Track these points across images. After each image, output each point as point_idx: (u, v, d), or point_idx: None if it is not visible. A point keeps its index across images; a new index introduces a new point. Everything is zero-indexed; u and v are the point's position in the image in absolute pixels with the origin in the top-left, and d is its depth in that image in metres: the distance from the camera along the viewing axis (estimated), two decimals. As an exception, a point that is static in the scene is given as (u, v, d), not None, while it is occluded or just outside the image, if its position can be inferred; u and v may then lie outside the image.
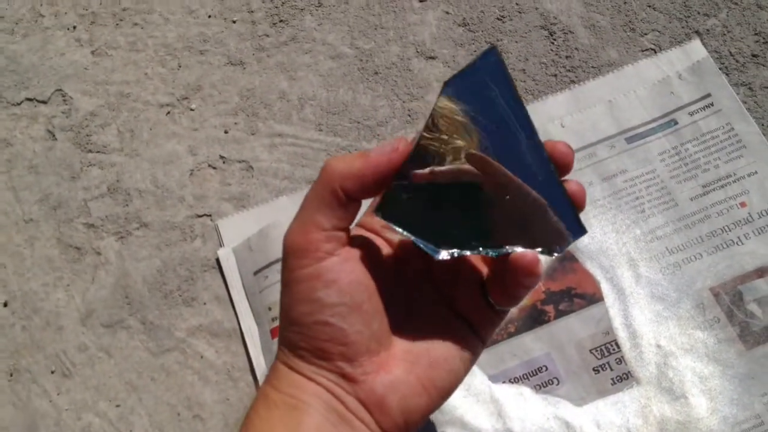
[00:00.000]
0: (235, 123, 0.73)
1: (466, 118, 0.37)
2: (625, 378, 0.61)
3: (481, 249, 0.37)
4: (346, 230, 0.38)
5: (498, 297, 0.39)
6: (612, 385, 0.60)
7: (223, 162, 0.71)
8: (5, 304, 0.68)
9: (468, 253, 0.37)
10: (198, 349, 0.65)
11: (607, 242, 0.65)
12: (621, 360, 0.61)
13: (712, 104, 0.68)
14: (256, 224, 0.68)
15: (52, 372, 0.65)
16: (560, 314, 0.63)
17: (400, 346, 0.39)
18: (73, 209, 0.71)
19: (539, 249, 0.36)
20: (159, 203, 0.70)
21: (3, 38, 0.78)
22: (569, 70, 0.72)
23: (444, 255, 0.37)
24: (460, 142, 0.37)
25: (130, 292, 0.67)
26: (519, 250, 0.36)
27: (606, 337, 0.62)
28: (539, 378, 0.62)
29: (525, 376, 0.62)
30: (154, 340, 0.66)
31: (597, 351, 0.62)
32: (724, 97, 0.68)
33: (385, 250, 0.41)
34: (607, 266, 0.64)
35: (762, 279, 0.62)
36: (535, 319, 0.63)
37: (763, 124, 0.68)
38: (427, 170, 0.36)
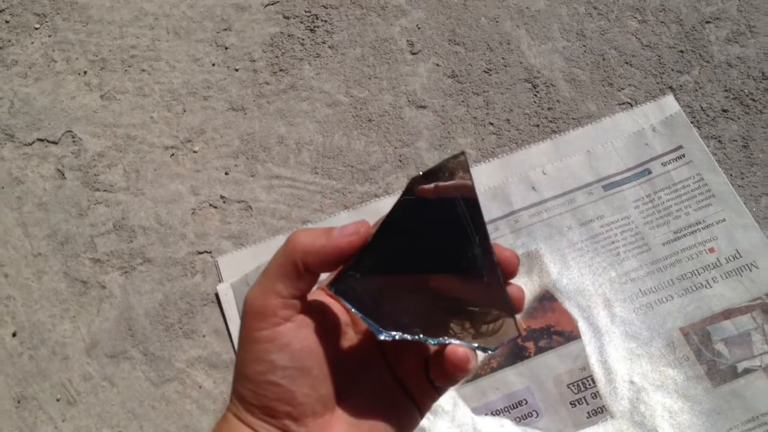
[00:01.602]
0: (236, 165, 0.77)
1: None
2: (600, 412, 0.64)
3: (421, 336, 0.39)
4: (303, 298, 0.41)
5: (437, 376, 0.41)
6: (588, 418, 0.64)
7: (224, 202, 0.75)
8: (14, 335, 0.71)
9: (408, 337, 0.39)
10: (197, 380, 0.68)
11: (584, 283, 0.69)
12: (596, 395, 0.65)
13: (683, 155, 0.73)
14: (254, 261, 0.71)
15: (58, 400, 0.69)
16: (540, 350, 0.67)
17: (345, 410, 0.41)
18: (80, 245, 0.74)
19: (475, 345, 0.39)
20: (162, 240, 0.74)
21: (17, 81, 0.82)
22: (551, 121, 0.76)
23: (384, 336, 0.39)
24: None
25: (133, 324, 0.71)
26: (456, 343, 0.39)
27: (582, 373, 0.66)
28: (520, 411, 0.65)
29: (506, 409, 0.65)
30: (155, 370, 0.69)
31: (574, 386, 0.65)
32: (695, 149, 0.73)
33: (342, 316, 0.44)
34: (584, 306, 0.68)
35: (729, 320, 0.66)
36: (517, 354, 0.67)
37: (731, 175, 0.72)
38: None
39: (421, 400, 0.43)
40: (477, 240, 0.39)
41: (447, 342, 0.39)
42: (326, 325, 0.41)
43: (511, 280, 0.40)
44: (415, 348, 0.43)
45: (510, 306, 0.39)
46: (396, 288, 0.40)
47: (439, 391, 0.43)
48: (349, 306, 0.40)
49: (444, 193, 0.39)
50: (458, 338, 0.39)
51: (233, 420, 0.40)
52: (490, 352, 0.39)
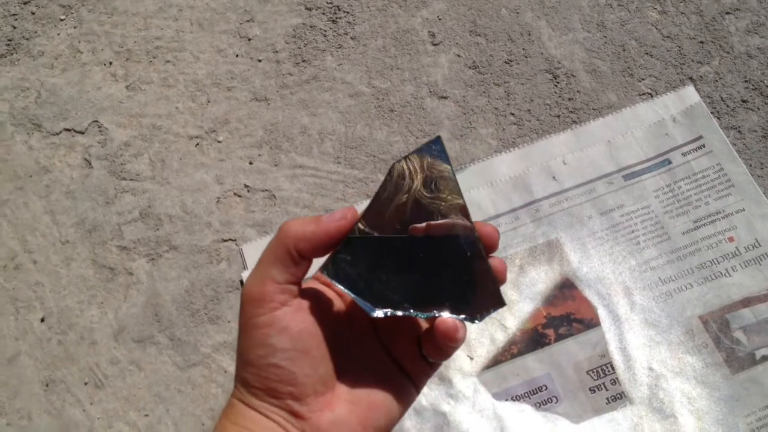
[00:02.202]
0: (260, 155, 0.78)
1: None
2: (619, 398, 0.65)
3: (411, 311, 0.42)
4: (298, 284, 0.43)
5: (430, 351, 0.43)
6: (607, 404, 0.65)
7: (248, 191, 0.76)
8: (42, 320, 0.73)
9: (400, 313, 0.42)
10: (222, 364, 0.70)
11: (604, 272, 0.70)
12: (615, 381, 0.66)
13: (703, 146, 0.74)
14: (278, 249, 0.72)
15: (86, 383, 0.70)
16: (560, 337, 0.68)
17: (344, 388, 0.43)
18: (107, 232, 0.76)
19: (462, 316, 0.41)
20: (187, 228, 0.75)
21: (44, 72, 0.84)
22: (571, 111, 0.77)
23: (378, 314, 0.42)
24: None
25: (160, 310, 0.72)
26: (445, 315, 0.41)
27: (602, 360, 0.66)
28: (539, 396, 0.66)
29: (526, 395, 0.66)
30: (181, 355, 0.70)
31: (593, 372, 0.66)
32: (715, 139, 0.74)
33: (336, 301, 0.46)
34: (604, 294, 0.69)
35: (747, 308, 0.67)
36: (537, 341, 0.68)
37: (750, 165, 0.73)
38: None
39: (416, 376, 0.45)
40: (458, 214, 0.42)
41: (436, 315, 0.41)
42: (322, 309, 0.43)
43: (493, 254, 0.43)
44: (407, 327, 0.45)
45: (493, 278, 0.41)
46: (385, 268, 0.42)
47: (433, 367, 0.46)
48: (341, 287, 0.42)
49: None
50: (446, 311, 0.41)
51: (238, 405, 0.42)
52: (476, 322, 0.42)
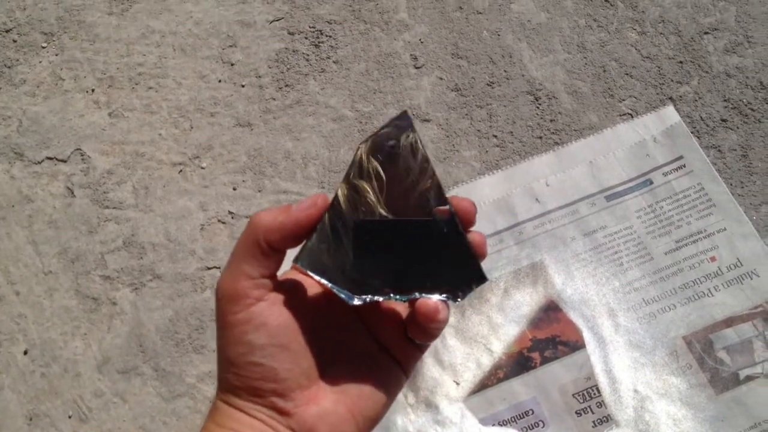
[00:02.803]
0: (243, 180, 0.78)
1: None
2: (605, 421, 0.65)
3: (391, 295, 0.41)
4: (273, 277, 0.42)
5: (415, 333, 0.43)
6: (593, 427, 0.65)
7: (232, 217, 0.76)
8: (25, 352, 0.72)
9: (380, 299, 0.41)
10: (207, 395, 0.69)
11: (588, 293, 0.70)
12: (601, 404, 0.66)
13: (684, 165, 0.74)
14: (263, 276, 0.72)
15: (70, 417, 0.70)
16: (545, 360, 0.68)
17: (330, 379, 0.42)
18: (91, 262, 0.75)
19: (444, 296, 0.40)
20: (171, 256, 0.75)
21: (25, 100, 0.84)
22: (553, 133, 0.77)
23: (357, 301, 0.41)
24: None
25: (144, 340, 0.72)
26: (425, 296, 0.40)
27: (588, 382, 0.67)
28: (526, 421, 0.66)
29: (513, 419, 0.66)
30: (166, 386, 0.70)
31: (579, 395, 0.66)
32: (696, 159, 0.74)
33: (315, 290, 0.44)
34: (588, 316, 0.69)
35: (731, 328, 0.67)
36: (522, 365, 0.68)
37: (731, 184, 0.73)
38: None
39: (404, 360, 0.44)
40: (432, 194, 0.40)
41: (417, 297, 0.40)
42: (300, 300, 0.42)
43: (472, 229, 0.42)
44: (391, 311, 0.44)
45: (471, 252, 0.40)
46: (361, 253, 0.41)
47: (421, 349, 0.45)
48: (317, 277, 0.41)
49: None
50: (427, 292, 0.40)
51: (223, 406, 0.41)
52: (459, 301, 0.41)
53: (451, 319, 0.69)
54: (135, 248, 0.76)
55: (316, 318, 0.43)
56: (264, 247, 0.40)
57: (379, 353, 0.44)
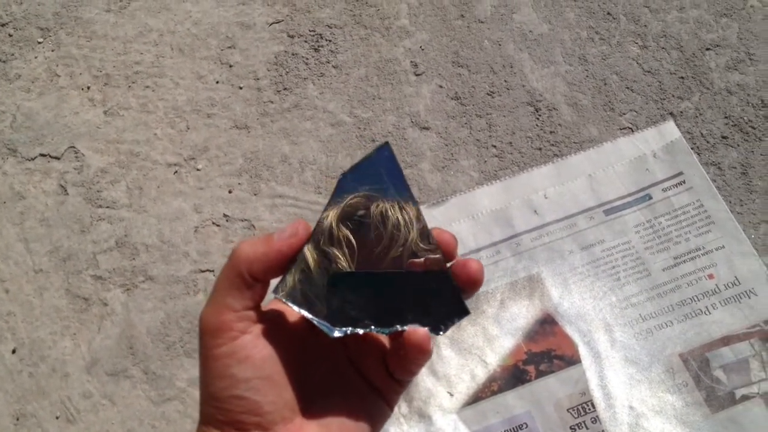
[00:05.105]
0: (239, 183, 0.77)
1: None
2: (599, 437, 0.65)
3: (372, 327, 0.40)
4: (257, 308, 0.41)
5: (395, 368, 0.42)
6: (587, 443, 0.65)
7: (227, 220, 0.75)
8: (14, 351, 0.71)
9: (360, 331, 0.40)
10: (197, 399, 0.68)
11: (585, 308, 0.69)
12: (596, 419, 0.65)
13: (683, 182, 0.74)
14: (257, 281, 0.71)
15: (57, 417, 0.68)
16: (541, 374, 0.67)
17: (313, 412, 0.41)
18: (82, 261, 0.74)
19: (427, 328, 0.40)
20: (164, 258, 0.74)
21: (20, 95, 0.82)
22: (553, 145, 0.77)
23: (338, 333, 0.40)
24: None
25: (134, 342, 0.71)
26: (407, 328, 0.40)
27: (583, 398, 0.66)
28: (520, 435, 0.66)
29: (506, 433, 0.66)
30: (156, 389, 0.69)
31: (574, 410, 0.66)
32: (695, 175, 0.74)
33: (300, 321, 0.44)
34: (584, 330, 0.68)
35: (727, 347, 0.67)
36: (517, 378, 0.67)
37: (730, 202, 0.73)
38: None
39: (387, 394, 0.43)
40: (414, 227, 0.40)
41: (400, 329, 0.40)
42: (284, 332, 0.42)
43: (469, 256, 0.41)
44: (374, 343, 0.44)
45: (454, 286, 0.40)
46: (340, 285, 0.40)
47: (402, 384, 0.44)
48: (296, 308, 0.40)
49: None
50: (409, 324, 0.40)
51: None
52: (441, 333, 0.40)
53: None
54: (128, 249, 0.74)
55: (300, 349, 0.42)
56: (247, 278, 0.40)
57: (363, 385, 0.43)
